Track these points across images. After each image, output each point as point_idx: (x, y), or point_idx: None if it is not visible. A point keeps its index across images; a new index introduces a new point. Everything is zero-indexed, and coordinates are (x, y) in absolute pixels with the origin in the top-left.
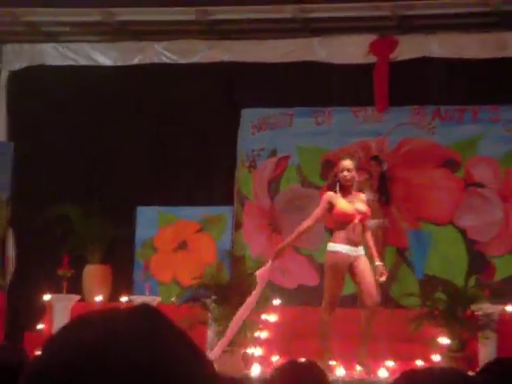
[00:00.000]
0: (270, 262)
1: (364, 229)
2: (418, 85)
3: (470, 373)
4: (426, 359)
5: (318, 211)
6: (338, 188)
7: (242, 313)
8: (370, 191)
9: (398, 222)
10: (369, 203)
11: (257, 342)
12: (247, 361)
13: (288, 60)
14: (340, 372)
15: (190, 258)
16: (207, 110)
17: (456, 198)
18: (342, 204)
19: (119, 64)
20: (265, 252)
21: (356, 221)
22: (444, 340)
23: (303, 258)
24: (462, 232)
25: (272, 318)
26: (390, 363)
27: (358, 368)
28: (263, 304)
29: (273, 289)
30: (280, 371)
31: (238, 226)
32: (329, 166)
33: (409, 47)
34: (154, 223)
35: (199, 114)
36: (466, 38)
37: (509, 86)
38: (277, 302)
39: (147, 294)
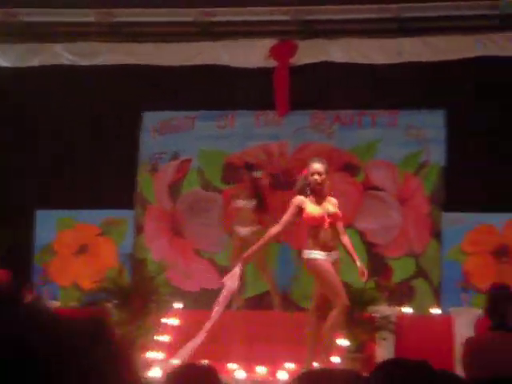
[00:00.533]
0: (237, 268)
1: (340, 232)
2: (318, 89)
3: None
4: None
5: (286, 216)
6: (308, 192)
7: (208, 324)
8: (245, 199)
9: (300, 226)
10: (244, 210)
11: (157, 345)
12: (147, 364)
13: (191, 63)
14: (240, 374)
15: (91, 261)
16: (108, 113)
17: (355, 201)
18: (311, 208)
19: (18, 65)
20: (167, 255)
21: (326, 224)
22: (343, 342)
23: (205, 261)
24: (361, 235)
25: (173, 321)
26: (290, 365)
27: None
28: (164, 308)
29: (174, 292)
30: (174, 374)
31: (139, 229)
32: (231, 170)
33: (309, 52)
34: (53, 227)
35: (100, 117)
36: (366, 44)
37: (408, 91)
38: (178, 305)
39: (46, 298)
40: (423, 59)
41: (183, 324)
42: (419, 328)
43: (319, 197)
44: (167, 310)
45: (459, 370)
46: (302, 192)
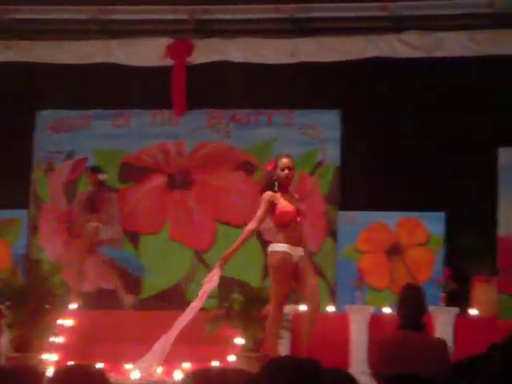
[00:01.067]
0: (217, 268)
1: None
2: (215, 88)
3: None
4: (223, 360)
5: (260, 213)
6: (277, 187)
7: (183, 319)
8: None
9: (198, 224)
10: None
11: (52, 347)
12: (43, 366)
13: (87, 62)
14: (136, 375)
15: None
16: (2, 111)
17: (252, 200)
18: (284, 203)
19: None
20: (62, 255)
21: (298, 219)
22: (240, 340)
23: (102, 261)
24: (258, 234)
25: (68, 322)
26: (187, 365)
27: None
28: (59, 308)
29: (70, 292)
30: (58, 375)
31: (34, 229)
32: (128, 169)
33: (206, 51)
34: None
35: None
36: (262, 43)
37: (303, 91)
38: (74, 306)
39: None
40: (318, 59)
41: (78, 325)
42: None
43: (286, 192)
44: (62, 311)
45: (355, 367)
46: (268, 187)
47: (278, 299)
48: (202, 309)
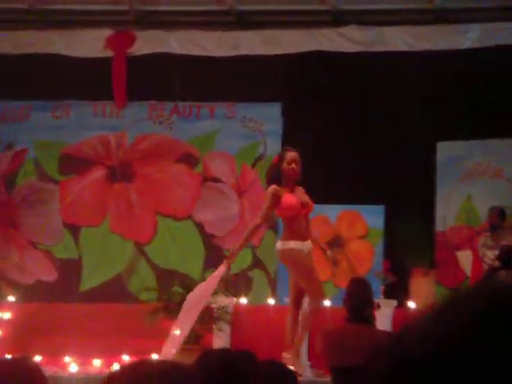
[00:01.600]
0: (224, 264)
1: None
2: (156, 80)
3: None
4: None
5: (264, 207)
6: (282, 181)
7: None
8: None
9: (139, 217)
10: None
11: None
12: None
13: (26, 52)
14: (74, 368)
15: None
16: None
17: (194, 192)
18: (288, 197)
19: None
20: (1, 247)
21: (302, 214)
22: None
23: (41, 254)
24: (200, 226)
25: (6, 315)
26: (126, 358)
27: None
28: None
29: (8, 284)
30: None
31: None
32: (68, 161)
33: (147, 42)
34: None
35: None
36: (204, 36)
37: (245, 84)
38: (12, 298)
39: None
40: (260, 52)
41: (16, 317)
42: (256, 318)
43: (293, 185)
44: (0, 304)
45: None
46: (274, 181)
47: (318, 284)
48: (142, 301)
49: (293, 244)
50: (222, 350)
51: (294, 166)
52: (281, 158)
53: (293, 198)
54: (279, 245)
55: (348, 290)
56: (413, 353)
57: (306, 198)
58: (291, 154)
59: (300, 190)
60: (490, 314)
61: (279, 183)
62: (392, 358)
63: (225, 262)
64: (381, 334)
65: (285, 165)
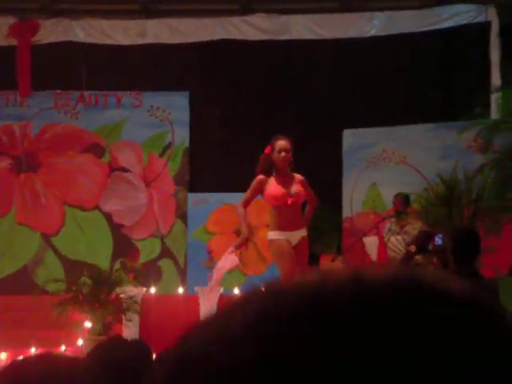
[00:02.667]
0: (231, 255)
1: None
2: (62, 69)
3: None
4: (71, 344)
5: (245, 195)
6: (274, 170)
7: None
8: None
9: (46, 208)
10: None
11: None
12: None
13: None
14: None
15: None
16: None
17: (101, 182)
18: (273, 187)
19: None
20: None
21: (287, 204)
22: (88, 324)
23: None
24: (107, 216)
25: None
26: (34, 350)
27: None
28: None
29: None
30: None
31: None
32: None
33: (52, 31)
34: None
35: None
36: (109, 24)
37: (152, 73)
38: None
39: None
40: (166, 41)
41: None
42: (165, 307)
43: (284, 175)
44: None
45: None
46: (265, 170)
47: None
48: (49, 293)
49: (272, 234)
50: (116, 340)
51: (283, 154)
52: (271, 147)
53: (277, 188)
54: (268, 235)
55: None
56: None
57: (296, 188)
58: (280, 143)
59: (296, 178)
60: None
61: (269, 173)
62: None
63: (231, 253)
64: None
65: (275, 154)
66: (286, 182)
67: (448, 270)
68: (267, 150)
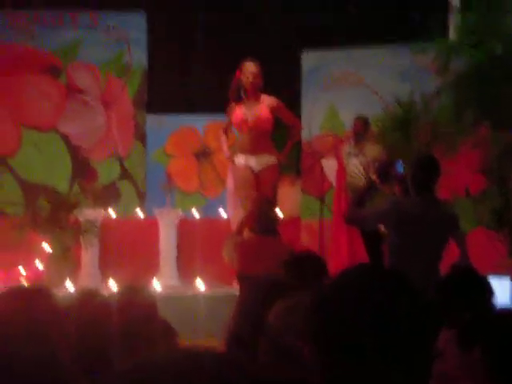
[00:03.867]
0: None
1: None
2: None
3: None
4: (30, 266)
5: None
6: (243, 94)
7: None
8: None
9: (2, 130)
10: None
11: None
12: None
13: None
14: None
15: None
16: None
17: (58, 104)
18: (236, 112)
19: None
20: None
21: (245, 128)
22: (47, 246)
23: None
24: (65, 138)
25: None
26: None
27: None
28: None
29: None
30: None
31: None
32: None
33: None
34: None
35: None
36: None
37: None
38: None
39: None
40: None
41: None
42: (124, 231)
43: (252, 99)
44: None
45: (164, 271)
46: (234, 95)
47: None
48: (7, 215)
49: (234, 158)
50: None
51: (250, 78)
52: (239, 70)
53: (238, 113)
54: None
55: (256, 207)
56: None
57: (257, 112)
58: (247, 66)
59: (265, 102)
60: None
61: (239, 97)
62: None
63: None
64: (284, 246)
65: (243, 78)
66: (251, 106)
67: (410, 198)
68: (237, 73)
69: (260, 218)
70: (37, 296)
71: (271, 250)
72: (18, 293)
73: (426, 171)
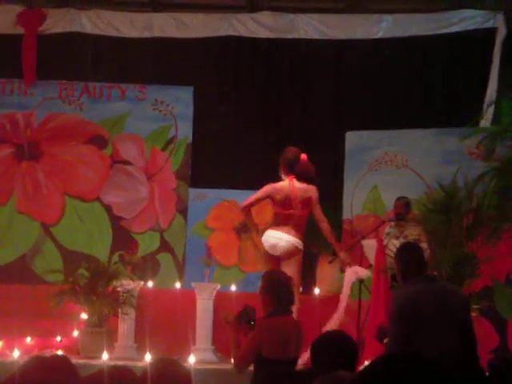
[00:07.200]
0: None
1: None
2: (67, 60)
3: None
4: (66, 335)
5: None
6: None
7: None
8: None
9: (47, 197)
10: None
11: None
12: None
13: None
14: None
15: None
16: None
17: (102, 174)
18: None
19: None
20: None
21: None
22: (84, 316)
23: None
24: (108, 208)
25: None
26: (28, 340)
27: None
28: None
29: None
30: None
31: None
32: None
33: (59, 21)
34: None
35: None
36: (116, 16)
37: (157, 66)
38: None
39: None
40: (173, 35)
41: None
42: (162, 302)
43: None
44: None
45: (199, 344)
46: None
47: None
48: (47, 283)
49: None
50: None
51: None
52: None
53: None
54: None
55: (272, 285)
56: None
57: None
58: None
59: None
60: None
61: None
62: None
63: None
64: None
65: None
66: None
67: (416, 286)
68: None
69: (281, 298)
70: (57, 365)
71: (289, 329)
72: (39, 362)
73: (418, 256)
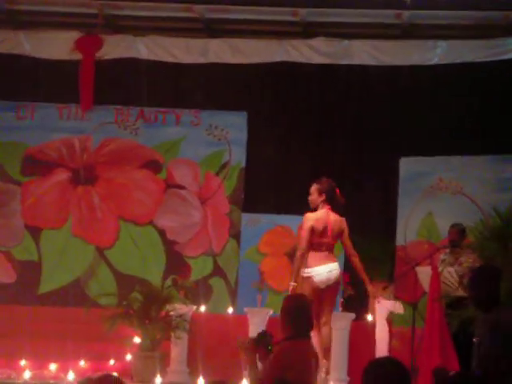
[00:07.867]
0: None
1: None
2: (123, 85)
3: None
4: (120, 358)
5: None
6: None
7: None
8: None
9: (101, 221)
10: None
11: None
12: None
13: None
14: (28, 374)
15: None
16: None
17: (157, 198)
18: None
19: None
20: None
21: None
22: (137, 339)
23: (0, 255)
24: (161, 232)
25: None
26: (82, 363)
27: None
28: None
29: None
30: None
31: None
32: (31, 162)
33: (115, 47)
34: None
35: None
36: (172, 42)
37: (212, 92)
38: None
39: None
40: (228, 61)
41: None
42: (214, 327)
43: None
44: None
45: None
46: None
47: None
48: (100, 306)
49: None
50: None
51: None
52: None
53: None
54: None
55: (294, 309)
56: None
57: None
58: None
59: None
60: None
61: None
62: None
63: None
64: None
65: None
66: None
67: None
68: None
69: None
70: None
71: (309, 353)
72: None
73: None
